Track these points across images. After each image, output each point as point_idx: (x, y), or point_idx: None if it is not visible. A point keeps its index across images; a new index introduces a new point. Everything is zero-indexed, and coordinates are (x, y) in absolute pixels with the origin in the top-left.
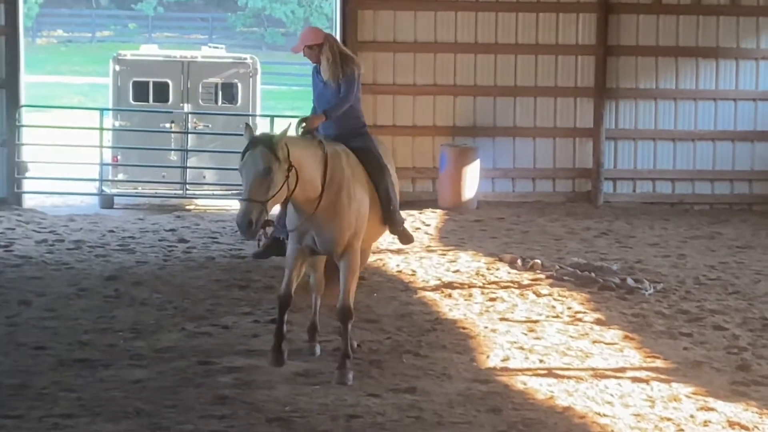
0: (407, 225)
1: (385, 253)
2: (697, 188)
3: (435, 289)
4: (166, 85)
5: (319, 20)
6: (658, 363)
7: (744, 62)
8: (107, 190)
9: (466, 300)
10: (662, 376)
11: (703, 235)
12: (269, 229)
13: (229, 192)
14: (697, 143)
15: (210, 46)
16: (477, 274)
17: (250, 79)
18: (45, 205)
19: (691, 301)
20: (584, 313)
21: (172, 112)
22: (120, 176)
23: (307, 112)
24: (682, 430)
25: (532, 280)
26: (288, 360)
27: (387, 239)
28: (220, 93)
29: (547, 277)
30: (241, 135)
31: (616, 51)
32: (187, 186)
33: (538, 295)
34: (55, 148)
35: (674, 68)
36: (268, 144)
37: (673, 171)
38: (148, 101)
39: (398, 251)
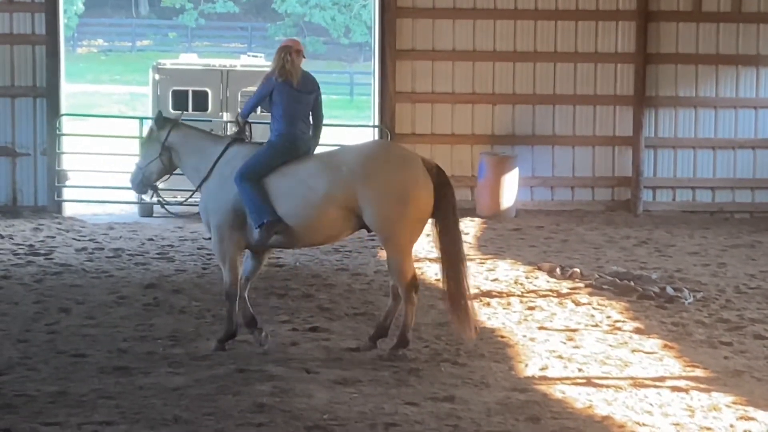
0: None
1: (424, 261)
2: (738, 196)
3: (474, 297)
4: (206, 93)
5: (358, 27)
6: (698, 372)
7: None
8: (146, 198)
9: (504, 309)
10: (702, 386)
11: (744, 243)
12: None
13: None
14: (738, 151)
15: (249, 55)
16: (516, 282)
17: None
18: (85, 214)
19: (731, 310)
20: (623, 322)
21: (211, 121)
22: (159, 185)
23: (343, 119)
24: None
25: (571, 288)
26: (327, 368)
27: (425, 248)
28: None
29: (586, 286)
30: None
31: (655, 59)
32: None
33: (577, 303)
34: (94, 157)
35: (714, 76)
36: (150, 126)
37: (713, 179)
38: (187, 110)
39: (437, 260)
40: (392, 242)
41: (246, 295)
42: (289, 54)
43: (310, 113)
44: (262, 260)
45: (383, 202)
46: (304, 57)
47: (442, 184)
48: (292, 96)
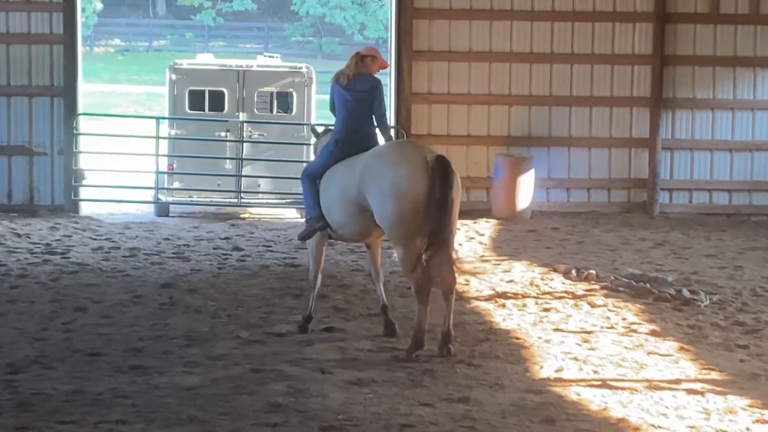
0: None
1: None
2: (755, 199)
3: (489, 299)
4: (222, 94)
5: (373, 24)
6: (714, 375)
7: None
8: (163, 198)
9: (519, 310)
10: (718, 389)
11: (760, 246)
12: None
13: (284, 201)
14: (755, 153)
15: (265, 55)
16: (531, 284)
17: (305, 88)
18: (101, 213)
19: (747, 312)
20: (639, 324)
21: (227, 121)
22: (175, 184)
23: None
24: None
25: (587, 290)
26: (342, 369)
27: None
28: (275, 102)
29: (602, 288)
30: (296, 144)
31: (672, 61)
32: (242, 194)
33: (593, 305)
34: (111, 157)
35: (732, 78)
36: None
37: (730, 182)
38: (203, 110)
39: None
40: (392, 238)
41: (380, 288)
42: (352, 58)
43: (371, 112)
44: (376, 256)
45: (381, 198)
46: (383, 65)
47: (438, 169)
48: (343, 96)
